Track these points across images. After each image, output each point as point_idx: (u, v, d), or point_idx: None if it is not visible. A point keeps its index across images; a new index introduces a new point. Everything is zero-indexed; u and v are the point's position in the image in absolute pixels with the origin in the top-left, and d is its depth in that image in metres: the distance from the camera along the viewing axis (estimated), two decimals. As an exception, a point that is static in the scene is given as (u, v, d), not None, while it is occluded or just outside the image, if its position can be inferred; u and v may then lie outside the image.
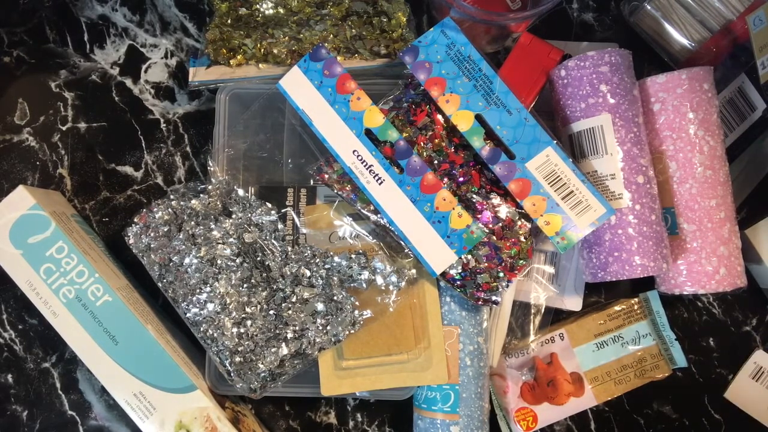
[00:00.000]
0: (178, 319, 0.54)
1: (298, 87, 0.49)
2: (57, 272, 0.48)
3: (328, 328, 0.48)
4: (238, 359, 0.48)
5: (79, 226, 0.52)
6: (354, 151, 0.48)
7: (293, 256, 0.49)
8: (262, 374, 0.48)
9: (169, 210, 0.49)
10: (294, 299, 0.48)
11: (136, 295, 0.52)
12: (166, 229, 0.49)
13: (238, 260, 0.48)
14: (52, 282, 0.48)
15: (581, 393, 0.54)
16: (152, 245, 0.49)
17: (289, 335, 0.48)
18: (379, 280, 0.49)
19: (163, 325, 0.52)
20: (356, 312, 0.48)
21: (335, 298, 0.48)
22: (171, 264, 0.48)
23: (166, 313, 0.55)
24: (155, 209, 0.49)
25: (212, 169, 0.51)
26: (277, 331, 0.48)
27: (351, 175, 0.48)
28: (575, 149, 0.49)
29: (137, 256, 0.49)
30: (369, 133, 0.48)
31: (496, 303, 0.48)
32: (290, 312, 0.48)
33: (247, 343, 0.48)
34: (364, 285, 0.49)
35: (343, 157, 0.48)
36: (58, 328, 0.48)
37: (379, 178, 0.48)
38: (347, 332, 0.48)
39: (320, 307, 0.48)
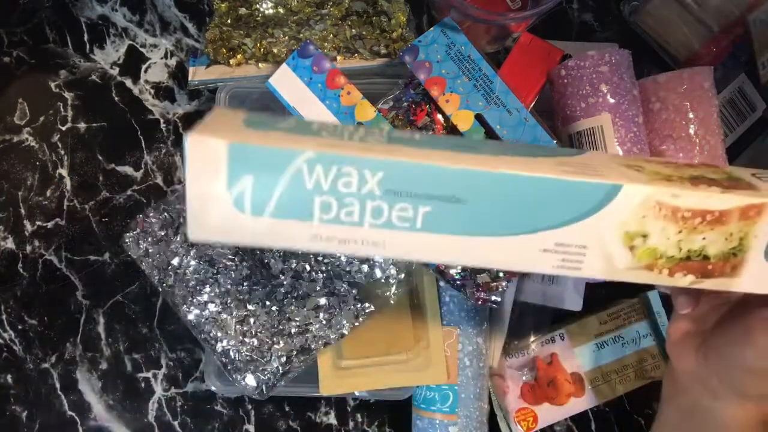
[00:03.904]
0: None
1: (287, 84, 0.49)
2: None
3: (332, 322, 0.48)
4: (241, 358, 0.47)
5: None
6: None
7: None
8: (267, 372, 0.48)
9: (165, 214, 0.49)
10: (295, 294, 0.48)
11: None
12: (162, 233, 0.49)
13: (236, 258, 0.48)
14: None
15: (582, 393, 0.54)
16: (150, 250, 0.49)
17: (293, 331, 0.48)
18: (378, 272, 0.48)
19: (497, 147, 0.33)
20: (359, 305, 0.48)
21: (337, 291, 0.48)
22: (170, 267, 0.48)
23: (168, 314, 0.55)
24: (151, 214, 0.49)
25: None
26: (281, 327, 0.48)
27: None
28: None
29: (137, 262, 0.49)
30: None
31: (496, 303, 0.48)
32: (292, 308, 0.48)
33: (250, 340, 0.47)
34: (364, 278, 0.49)
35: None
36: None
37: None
38: (351, 325, 0.48)
39: (322, 301, 0.48)
